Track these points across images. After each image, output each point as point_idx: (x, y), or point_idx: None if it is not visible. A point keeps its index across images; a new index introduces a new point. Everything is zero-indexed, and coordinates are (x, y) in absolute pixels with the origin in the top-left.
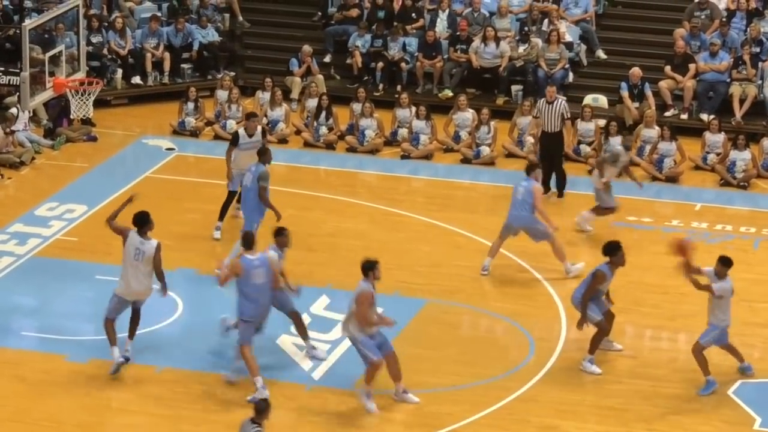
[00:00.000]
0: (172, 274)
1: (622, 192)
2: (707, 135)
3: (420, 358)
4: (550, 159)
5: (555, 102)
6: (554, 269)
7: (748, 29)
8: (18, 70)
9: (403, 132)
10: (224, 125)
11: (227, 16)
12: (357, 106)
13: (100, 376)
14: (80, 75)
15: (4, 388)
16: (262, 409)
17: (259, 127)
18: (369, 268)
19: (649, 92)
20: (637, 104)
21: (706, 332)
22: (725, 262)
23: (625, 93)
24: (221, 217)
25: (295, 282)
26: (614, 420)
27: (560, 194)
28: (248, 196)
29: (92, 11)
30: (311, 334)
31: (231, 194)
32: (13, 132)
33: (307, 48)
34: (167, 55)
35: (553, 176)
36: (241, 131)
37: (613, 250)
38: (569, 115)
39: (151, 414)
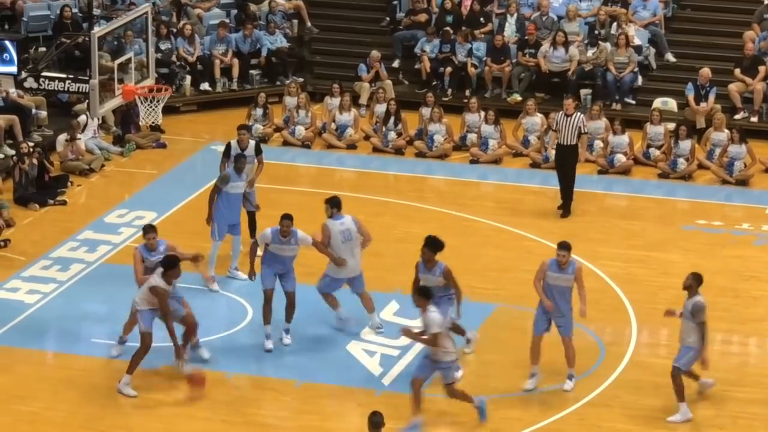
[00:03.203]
0: (242, 281)
1: (692, 195)
2: None
3: (490, 362)
4: (564, 172)
5: (573, 115)
6: (624, 273)
7: None
8: (87, 78)
9: (472, 137)
10: (293, 131)
11: (296, 22)
12: (426, 111)
13: (170, 383)
14: (149, 82)
15: (75, 395)
16: (377, 422)
17: (253, 143)
18: None
19: (712, 96)
20: (704, 104)
21: None
22: None
23: (690, 94)
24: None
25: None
26: (685, 425)
27: (565, 213)
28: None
29: (161, 18)
30: (381, 339)
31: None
32: (74, 140)
33: (375, 53)
34: (236, 61)
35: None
36: (233, 143)
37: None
38: (586, 130)
39: (221, 420)
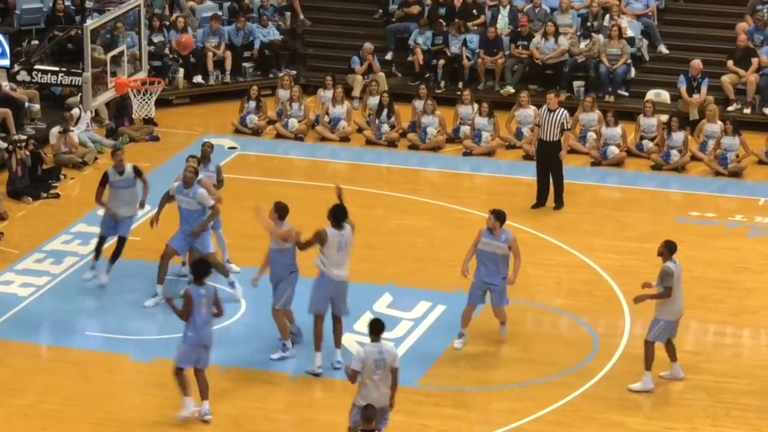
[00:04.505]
0: (236, 273)
1: (685, 186)
2: None
3: (484, 355)
4: (548, 169)
5: (556, 111)
6: (618, 265)
7: None
8: (80, 71)
9: (465, 129)
10: (286, 124)
11: (288, 14)
12: (419, 104)
13: (163, 376)
14: (142, 75)
15: (69, 388)
16: (370, 416)
17: (130, 166)
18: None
19: (704, 88)
20: (696, 96)
21: None
22: None
23: (683, 86)
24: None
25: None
26: (679, 416)
27: (559, 204)
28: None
29: (153, 11)
30: None
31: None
32: (67, 132)
33: (368, 45)
34: (228, 54)
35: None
36: (111, 170)
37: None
38: (569, 126)
39: (215, 413)
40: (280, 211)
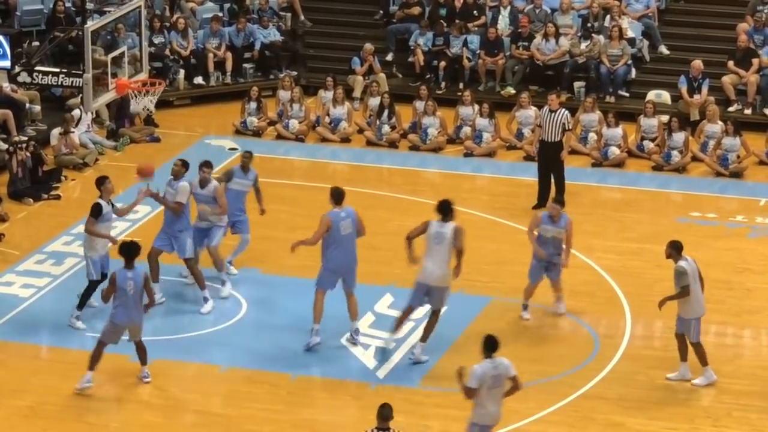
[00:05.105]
0: (236, 274)
1: (686, 187)
2: None
3: None
4: (549, 170)
5: (557, 111)
6: (619, 266)
7: None
8: (81, 72)
9: (466, 130)
10: (287, 125)
11: (289, 15)
12: (420, 104)
13: (164, 376)
14: (143, 76)
15: (69, 389)
16: (386, 415)
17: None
18: None
19: (705, 88)
20: (697, 97)
21: None
22: None
23: (683, 87)
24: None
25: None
26: (680, 417)
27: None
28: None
29: (154, 12)
30: (376, 332)
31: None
32: (68, 133)
33: (368, 46)
34: (229, 55)
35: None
36: (102, 202)
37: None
38: (570, 126)
39: (216, 414)
40: (336, 196)
